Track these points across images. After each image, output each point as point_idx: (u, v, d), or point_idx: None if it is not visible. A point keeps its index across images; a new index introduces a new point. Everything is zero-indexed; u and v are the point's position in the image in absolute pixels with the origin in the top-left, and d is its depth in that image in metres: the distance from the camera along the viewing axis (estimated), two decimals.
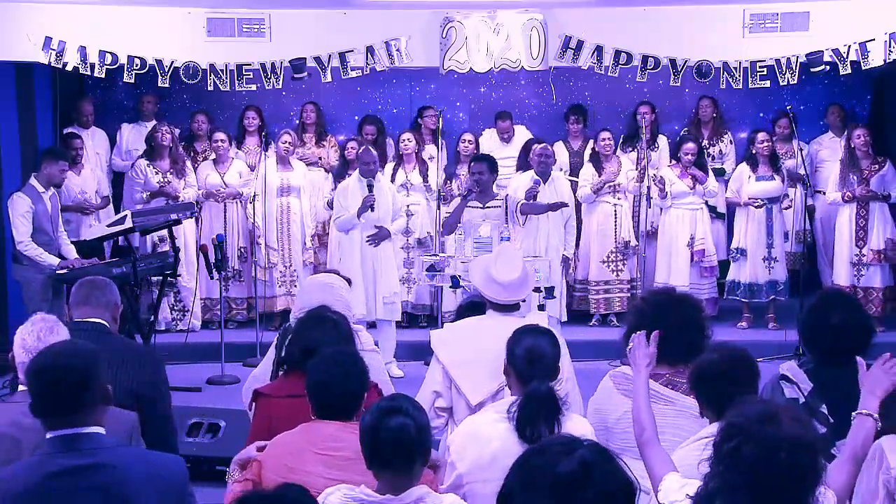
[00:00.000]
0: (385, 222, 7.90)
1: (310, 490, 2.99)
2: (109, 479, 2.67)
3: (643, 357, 3.42)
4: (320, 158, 9.22)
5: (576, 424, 3.42)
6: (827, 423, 3.52)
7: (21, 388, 3.21)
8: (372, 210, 7.73)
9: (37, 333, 3.19)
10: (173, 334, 8.68)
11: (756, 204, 8.68)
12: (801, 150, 8.87)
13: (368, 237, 7.86)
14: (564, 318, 8.31)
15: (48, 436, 2.71)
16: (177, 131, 9.51)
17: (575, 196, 8.68)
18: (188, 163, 8.99)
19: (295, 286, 8.82)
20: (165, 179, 8.80)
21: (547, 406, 3.30)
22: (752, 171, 8.73)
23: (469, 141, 9.06)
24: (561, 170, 8.95)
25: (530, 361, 3.47)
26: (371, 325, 7.93)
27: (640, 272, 8.90)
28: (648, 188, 8.56)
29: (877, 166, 8.61)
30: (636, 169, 8.99)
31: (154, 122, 9.32)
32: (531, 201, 7.86)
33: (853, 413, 3.08)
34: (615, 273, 8.98)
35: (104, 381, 2.78)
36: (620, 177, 8.86)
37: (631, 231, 8.95)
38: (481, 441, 3.39)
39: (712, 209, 9.21)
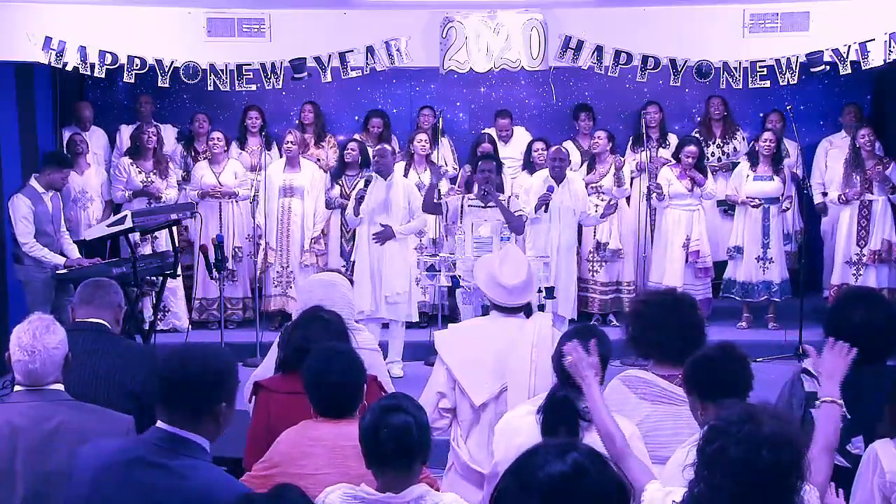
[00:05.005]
0: (394, 222, 7.89)
1: (318, 489, 2.99)
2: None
3: (588, 368, 3.26)
4: (319, 159, 9.20)
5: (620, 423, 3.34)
6: (843, 418, 3.52)
7: (17, 388, 3.20)
8: (359, 203, 7.71)
9: (32, 332, 3.18)
10: (173, 334, 8.67)
11: (753, 203, 8.67)
12: (800, 149, 8.85)
13: (373, 235, 7.87)
14: (574, 316, 8.29)
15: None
16: (174, 132, 9.53)
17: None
18: (171, 165, 9.02)
19: (291, 287, 8.83)
20: (149, 179, 8.82)
21: (565, 412, 3.30)
22: (751, 169, 8.73)
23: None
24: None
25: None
26: (385, 325, 7.96)
27: (640, 274, 8.88)
28: (649, 189, 8.57)
29: (881, 167, 8.59)
30: (641, 170, 8.95)
31: (152, 121, 9.35)
32: (543, 207, 7.89)
33: (816, 401, 3.10)
34: (591, 273, 8.97)
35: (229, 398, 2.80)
36: (606, 179, 8.82)
37: (610, 234, 8.89)
38: (511, 432, 3.47)
39: (731, 207, 9.15)
